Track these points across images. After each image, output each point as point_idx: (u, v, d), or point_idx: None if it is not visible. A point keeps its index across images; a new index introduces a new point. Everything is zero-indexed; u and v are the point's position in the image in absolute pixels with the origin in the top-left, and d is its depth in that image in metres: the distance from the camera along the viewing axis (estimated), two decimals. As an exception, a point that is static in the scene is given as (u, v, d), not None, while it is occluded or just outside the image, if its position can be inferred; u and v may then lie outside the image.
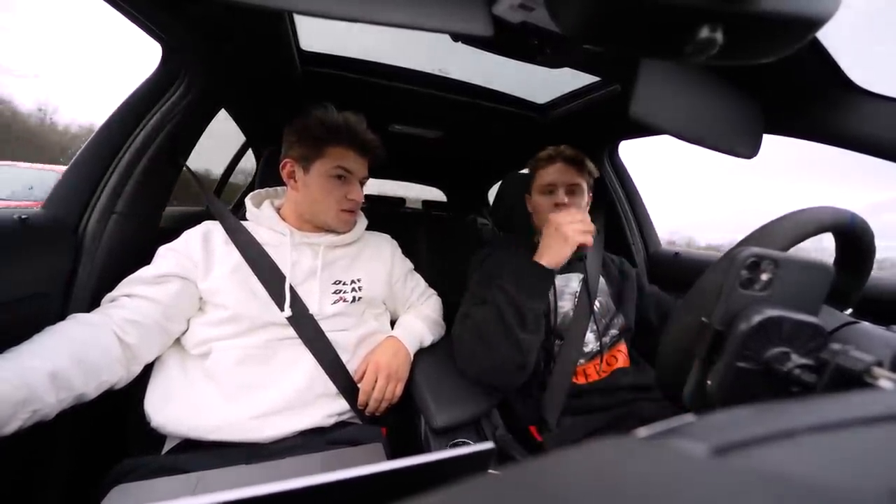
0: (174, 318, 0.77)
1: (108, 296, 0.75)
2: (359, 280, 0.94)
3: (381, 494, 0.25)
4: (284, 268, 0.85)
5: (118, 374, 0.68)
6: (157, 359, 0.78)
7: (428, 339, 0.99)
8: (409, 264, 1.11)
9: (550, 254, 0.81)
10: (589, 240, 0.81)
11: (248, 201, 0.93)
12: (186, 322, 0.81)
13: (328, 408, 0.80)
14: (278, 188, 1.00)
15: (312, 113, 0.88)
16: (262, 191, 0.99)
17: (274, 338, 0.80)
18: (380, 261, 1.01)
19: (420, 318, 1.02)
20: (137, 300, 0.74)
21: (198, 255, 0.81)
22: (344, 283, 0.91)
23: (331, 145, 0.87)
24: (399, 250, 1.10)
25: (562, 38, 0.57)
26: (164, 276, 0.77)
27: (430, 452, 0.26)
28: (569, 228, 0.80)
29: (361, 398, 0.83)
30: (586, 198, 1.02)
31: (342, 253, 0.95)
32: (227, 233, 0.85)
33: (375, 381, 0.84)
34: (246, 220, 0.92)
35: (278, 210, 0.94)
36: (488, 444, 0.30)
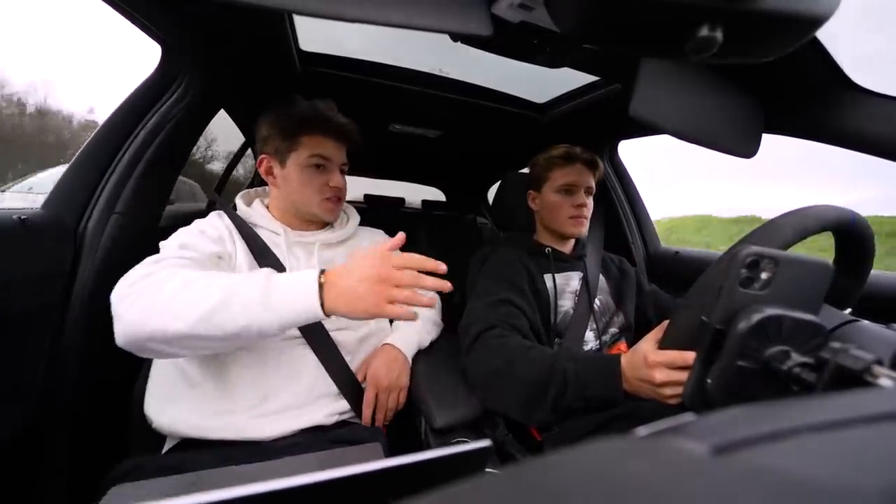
0: None
1: (153, 258, 0.70)
2: None
3: (379, 492, 0.25)
4: (286, 267, 0.84)
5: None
6: (155, 360, 0.78)
7: (426, 341, 0.98)
8: None
9: (635, 388, 0.66)
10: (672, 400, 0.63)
11: (238, 200, 0.92)
12: None
13: (329, 407, 0.80)
14: (266, 187, 0.98)
15: (280, 106, 0.86)
16: (252, 190, 0.98)
17: (275, 337, 0.80)
18: None
19: (417, 320, 1.00)
20: (189, 262, 0.70)
21: (229, 243, 0.80)
22: None
23: (304, 135, 0.85)
24: None
25: (561, 38, 0.57)
26: (214, 258, 0.75)
27: (429, 450, 0.26)
28: (664, 391, 0.60)
29: (366, 413, 0.82)
30: None
31: (337, 252, 0.94)
32: (239, 232, 0.84)
33: (377, 396, 0.83)
34: None
35: (267, 208, 0.92)
36: (486, 442, 0.30)
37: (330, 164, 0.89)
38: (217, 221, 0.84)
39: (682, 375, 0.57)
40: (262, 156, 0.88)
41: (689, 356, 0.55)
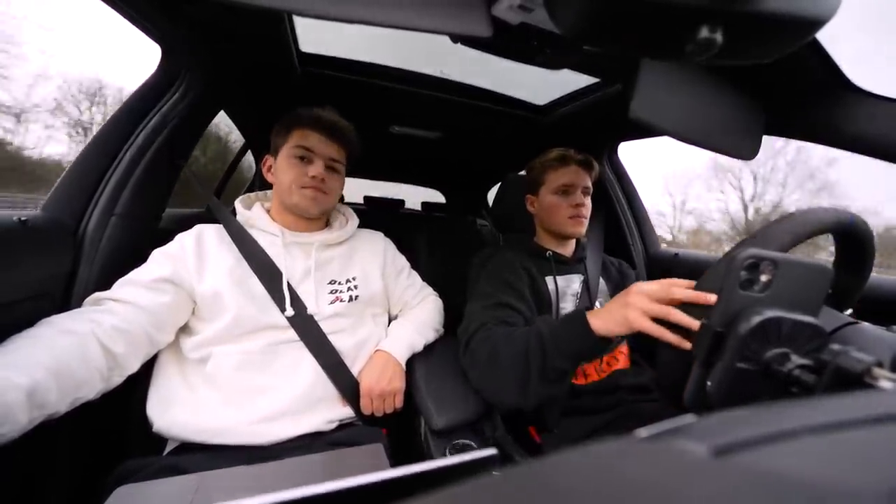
0: (163, 328, 0.75)
1: (93, 297, 0.72)
2: (354, 279, 0.94)
3: (383, 502, 0.25)
4: (279, 269, 0.85)
5: (96, 389, 0.64)
6: (156, 363, 0.78)
7: (420, 344, 0.97)
8: (403, 261, 1.11)
9: (603, 319, 0.67)
10: (654, 331, 0.60)
11: (238, 204, 0.93)
12: (174, 333, 0.79)
13: (329, 413, 0.80)
14: (268, 191, 1.00)
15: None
16: (252, 194, 0.99)
17: (274, 341, 0.80)
18: (373, 256, 1.01)
19: (409, 323, 1.00)
20: (126, 306, 0.71)
21: (192, 260, 0.79)
22: (339, 283, 0.91)
23: (294, 129, 0.90)
24: (392, 246, 1.10)
25: (561, 39, 0.57)
26: (160, 282, 0.75)
27: (433, 459, 0.26)
28: (638, 308, 0.61)
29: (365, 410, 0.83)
30: None
31: (335, 253, 0.95)
32: (230, 235, 0.85)
33: (372, 403, 0.84)
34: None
35: (268, 212, 0.94)
36: (491, 450, 0.30)
37: (313, 156, 0.89)
38: (190, 238, 0.84)
39: (658, 308, 0.58)
40: (266, 156, 0.93)
41: (669, 290, 0.58)
